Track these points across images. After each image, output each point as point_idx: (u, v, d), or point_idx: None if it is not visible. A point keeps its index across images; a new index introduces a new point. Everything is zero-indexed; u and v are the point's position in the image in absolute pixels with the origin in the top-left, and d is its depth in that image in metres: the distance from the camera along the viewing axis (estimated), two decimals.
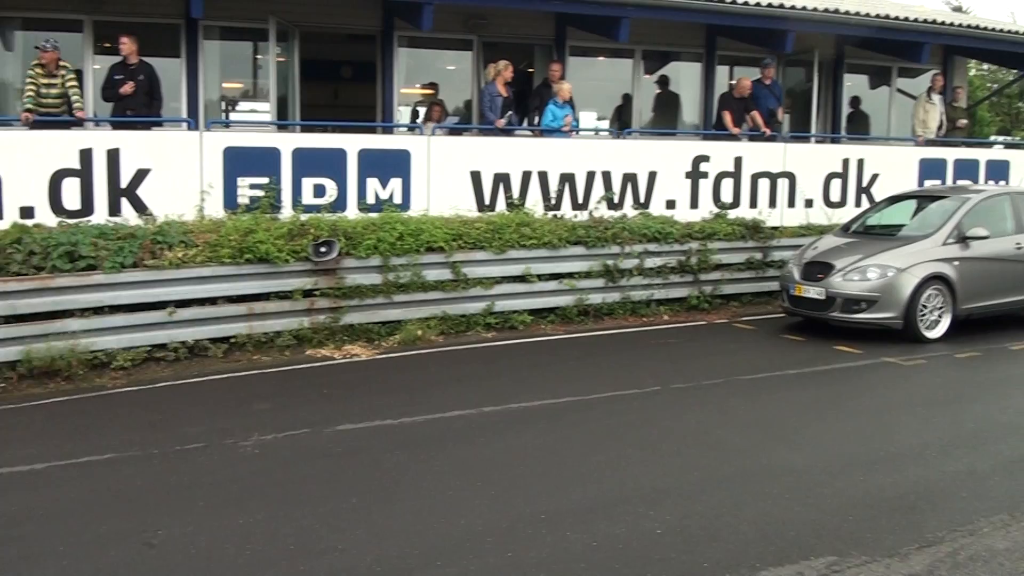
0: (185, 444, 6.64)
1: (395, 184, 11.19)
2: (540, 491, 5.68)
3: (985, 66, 29.01)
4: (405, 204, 11.20)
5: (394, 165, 11.22)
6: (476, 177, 11.62)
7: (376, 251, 10.21)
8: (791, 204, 13.52)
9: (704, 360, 9.53)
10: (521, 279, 11.11)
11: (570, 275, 11.39)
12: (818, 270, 10.78)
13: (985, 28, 16.14)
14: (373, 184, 11.09)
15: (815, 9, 13.95)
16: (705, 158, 12.96)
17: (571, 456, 6.41)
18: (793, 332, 10.97)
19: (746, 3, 13.37)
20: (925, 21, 15.16)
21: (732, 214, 12.89)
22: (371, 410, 7.49)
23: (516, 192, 11.81)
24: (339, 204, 10.86)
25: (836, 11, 14.17)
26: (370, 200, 11.05)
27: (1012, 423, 7.35)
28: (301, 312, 9.90)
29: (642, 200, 12.53)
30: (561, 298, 11.34)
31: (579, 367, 9.27)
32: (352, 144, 11.07)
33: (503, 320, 10.91)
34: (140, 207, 10.03)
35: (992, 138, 21.24)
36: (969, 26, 16.02)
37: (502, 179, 11.75)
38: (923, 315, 10.40)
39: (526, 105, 13.90)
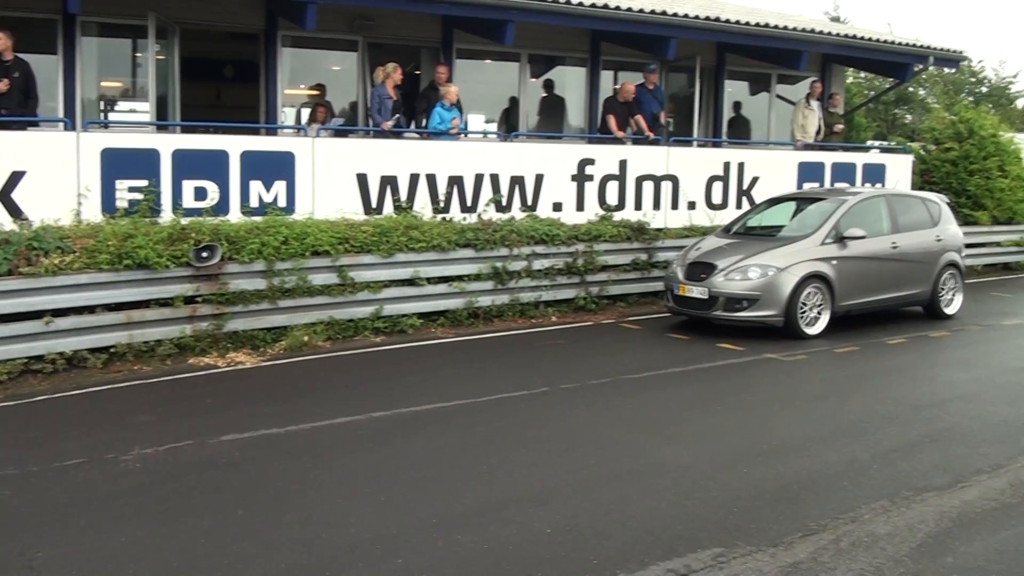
0: (64, 460, 6.34)
1: (279, 187, 10.98)
2: (430, 496, 5.63)
3: (862, 74, 30.19)
4: (290, 207, 10.99)
5: (278, 167, 11.00)
6: (363, 180, 11.49)
7: (260, 256, 9.98)
8: (675, 206, 13.81)
9: (592, 360, 9.63)
10: (410, 282, 11.03)
11: (459, 278, 11.37)
12: (701, 270, 11.03)
13: (861, 38, 16.80)
14: (256, 187, 10.85)
15: (697, 17, 14.29)
16: (591, 161, 13.13)
17: (461, 459, 6.38)
18: (678, 331, 11.18)
19: (629, 9, 13.61)
20: (803, 30, 15.69)
21: (618, 216, 13.08)
22: (256, 419, 7.31)
23: (404, 195, 11.73)
24: (221, 207, 10.59)
25: (717, 19, 14.53)
26: (253, 203, 10.80)
27: (890, 414, 7.64)
28: (183, 319, 9.60)
29: (530, 202, 12.61)
30: (450, 301, 11.31)
31: (469, 370, 9.26)
32: (235, 146, 10.81)
33: (392, 324, 10.82)
34: (15, 211, 9.58)
35: (869, 143, 22.09)
36: (846, 36, 16.64)
37: (389, 182, 11.66)
38: (803, 312, 10.74)
39: (413, 107, 13.84)
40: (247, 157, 10.78)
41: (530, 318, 11.76)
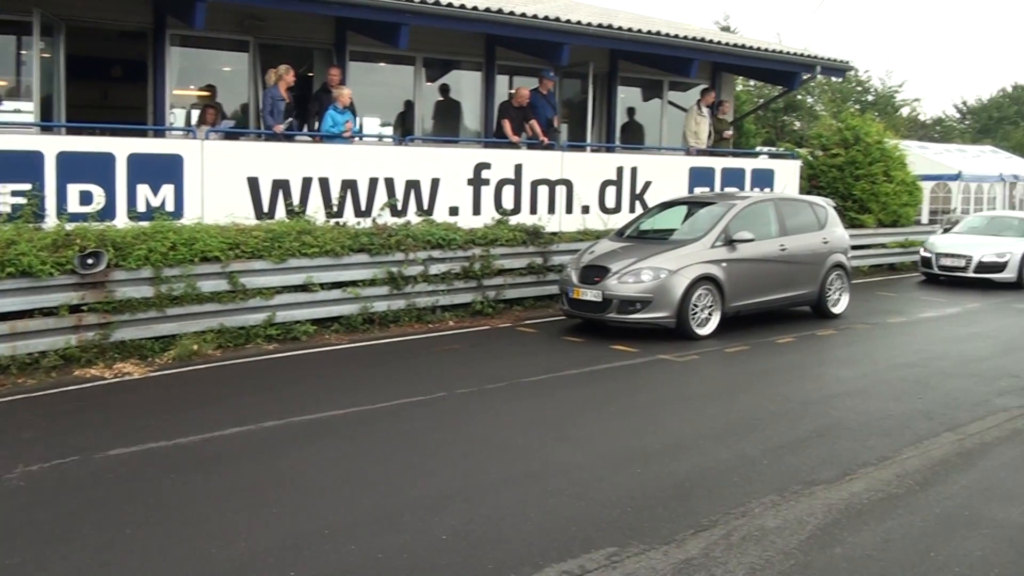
0: None
1: (167, 191, 10.70)
2: (324, 506, 5.53)
3: (752, 81, 31.01)
4: (178, 212, 10.71)
5: (166, 170, 10.71)
6: (254, 184, 11.29)
7: (147, 262, 9.69)
8: (569, 210, 13.98)
9: (488, 364, 9.64)
10: (303, 288, 10.87)
11: (354, 283, 11.26)
12: (595, 273, 11.16)
13: (749, 48, 17.26)
14: (144, 191, 10.55)
15: (590, 24, 14.46)
16: (486, 165, 13.16)
17: (356, 468, 6.29)
18: (573, 334, 11.29)
19: (523, 15, 13.70)
20: (694, 39, 16.04)
21: (513, 220, 13.18)
22: (145, 432, 7.07)
23: (296, 199, 11.57)
24: (107, 212, 10.26)
25: (610, 26, 14.74)
26: (140, 208, 10.50)
27: (779, 410, 7.85)
28: (68, 329, 9.24)
29: (425, 207, 12.57)
30: (345, 307, 11.19)
31: (364, 377, 9.14)
32: (121, 148, 10.48)
33: (285, 331, 10.64)
34: None
35: (758, 149, 22.73)
36: (735, 45, 17.08)
37: (281, 186, 11.48)
38: (694, 313, 10.96)
39: (306, 110, 13.65)
40: (134, 160, 10.48)
41: (427, 323, 11.72)
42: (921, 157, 28.04)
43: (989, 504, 5.70)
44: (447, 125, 16.08)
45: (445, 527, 5.18)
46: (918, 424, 7.49)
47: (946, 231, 20.27)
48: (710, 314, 11.16)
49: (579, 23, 14.32)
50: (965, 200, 29.40)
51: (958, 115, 72.68)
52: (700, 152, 16.44)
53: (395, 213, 12.27)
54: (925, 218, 26.31)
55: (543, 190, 13.67)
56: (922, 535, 5.19)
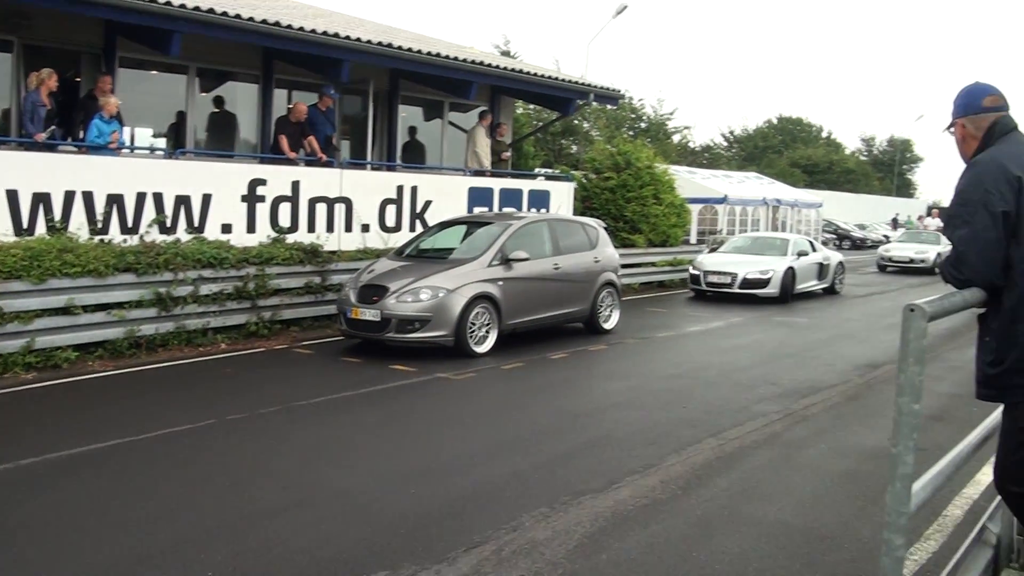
0: None
1: None
2: (80, 548, 5.13)
3: (532, 105, 31.80)
4: None
5: None
6: (12, 197, 10.45)
7: None
8: (348, 229, 13.81)
9: (263, 388, 9.34)
10: (65, 311, 10.15)
11: (119, 305, 10.63)
12: (374, 293, 11.09)
13: (527, 73, 17.75)
14: None
15: (369, 41, 14.39)
16: (262, 182, 12.81)
17: (116, 506, 5.87)
18: (352, 354, 11.15)
19: (302, 29, 13.45)
20: (473, 62, 16.29)
21: (290, 238, 12.87)
22: None
23: (58, 214, 10.79)
24: None
25: (390, 45, 14.74)
26: None
27: (551, 425, 8.03)
28: None
29: (196, 224, 12.07)
30: (110, 330, 10.55)
31: (130, 405, 8.59)
32: None
33: (45, 358, 9.88)
34: None
35: (536, 170, 23.30)
36: (513, 70, 17.50)
37: (42, 199, 10.68)
38: (472, 331, 11.08)
39: (71, 118, 12.83)
40: None
41: (198, 346, 11.25)
42: (690, 181, 29.87)
43: (747, 504, 6.05)
44: (222, 139, 15.54)
45: (211, 563, 4.93)
46: (682, 432, 7.85)
47: (712, 250, 21.53)
48: (487, 332, 11.31)
49: (359, 40, 14.23)
50: (731, 222, 31.40)
51: (725, 143, 77.70)
52: (479, 172, 16.67)
53: (164, 230, 11.70)
54: (693, 238, 27.85)
55: (321, 208, 13.44)
56: (684, 537, 5.43)
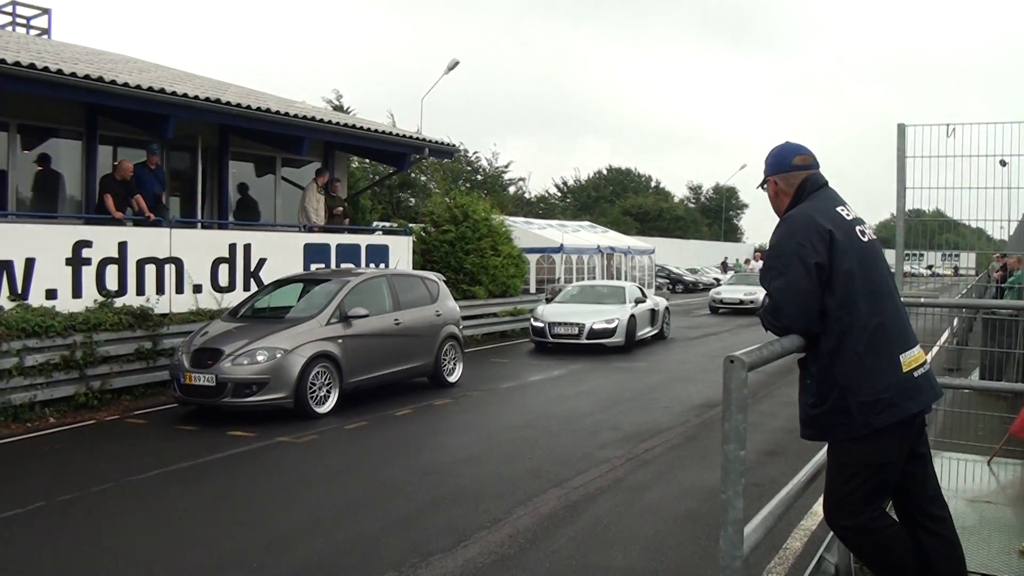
0: None
1: None
2: None
3: (368, 159, 31.79)
4: None
5: None
6: None
7: None
8: (179, 290, 13.35)
9: (94, 464, 8.84)
10: None
11: None
12: (208, 356, 10.75)
13: (361, 128, 17.75)
14: None
15: (197, 97, 14.07)
16: (87, 243, 12.25)
17: None
18: (187, 422, 10.74)
19: (126, 85, 13.03)
20: (304, 118, 16.16)
21: (119, 302, 12.32)
22: None
23: None
24: None
25: (218, 100, 14.44)
26: None
27: (397, 484, 7.93)
28: None
29: (20, 290, 11.42)
30: None
31: None
32: None
33: None
34: None
35: (374, 224, 23.25)
36: (346, 125, 17.45)
37: None
38: (313, 392, 10.88)
39: None
40: None
41: (25, 422, 10.58)
42: (527, 232, 30.47)
43: (594, 552, 6.14)
44: (46, 198, 14.80)
45: None
46: (528, 483, 7.91)
47: (548, 300, 21.87)
48: (329, 391, 11.13)
49: (185, 96, 13.88)
50: (568, 270, 32.05)
51: (559, 193, 79.63)
52: (314, 229, 16.49)
53: None
54: (532, 287, 28.28)
55: (150, 269, 12.95)
56: None
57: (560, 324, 18.48)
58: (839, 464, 3.76)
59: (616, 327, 18.35)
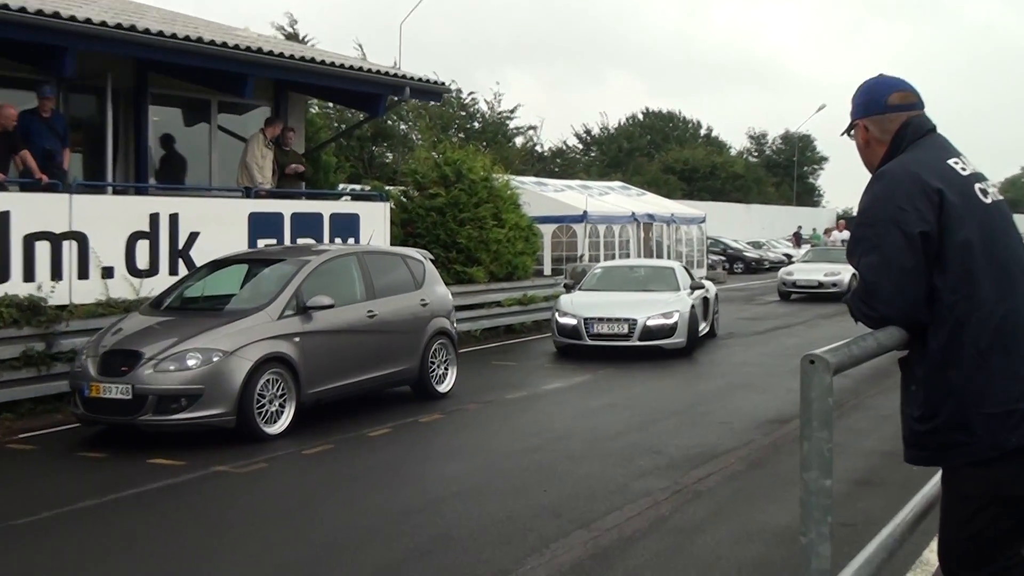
0: None
1: None
2: None
3: (331, 104, 31.70)
4: None
5: None
6: None
7: None
8: (83, 274, 13.35)
9: None
10: None
11: None
12: (122, 361, 10.71)
13: (323, 63, 17.61)
14: None
15: (104, 23, 13.94)
16: None
17: None
18: (93, 447, 10.75)
19: (6, 7, 12.90)
20: (248, 49, 16.06)
21: None
22: None
23: None
24: None
25: (132, 28, 14.32)
26: None
27: (372, 526, 7.92)
28: None
29: None
30: None
31: None
32: None
33: None
34: None
35: (340, 187, 23.17)
36: (302, 59, 17.33)
37: None
38: (261, 407, 10.84)
39: None
40: None
41: None
42: (539, 195, 30.26)
43: None
44: None
45: None
46: (543, 524, 7.85)
47: (569, 287, 20.44)
48: (282, 405, 11.10)
49: (89, 21, 13.77)
50: (593, 245, 31.80)
51: (581, 145, 79.71)
52: (261, 193, 16.42)
53: None
54: (548, 268, 28.18)
55: (43, 247, 12.90)
56: None
57: (601, 320, 17.28)
58: (959, 497, 3.67)
59: (676, 323, 17.27)
